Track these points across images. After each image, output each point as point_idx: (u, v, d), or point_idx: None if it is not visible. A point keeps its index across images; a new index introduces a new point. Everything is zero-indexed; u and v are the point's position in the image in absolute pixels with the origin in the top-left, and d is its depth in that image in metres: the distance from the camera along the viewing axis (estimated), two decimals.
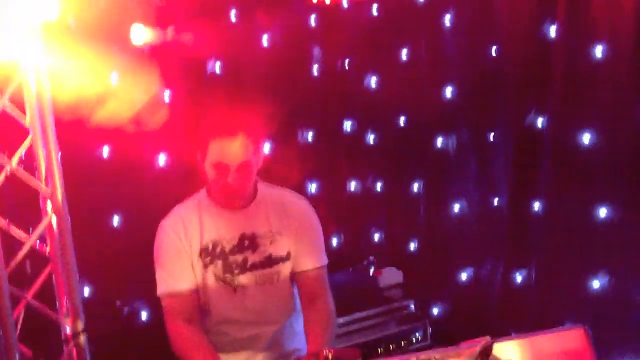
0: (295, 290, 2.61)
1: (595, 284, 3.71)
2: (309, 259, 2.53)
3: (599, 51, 3.56)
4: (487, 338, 1.94)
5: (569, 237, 3.76)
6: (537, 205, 3.96)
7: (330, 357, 1.53)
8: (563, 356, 1.98)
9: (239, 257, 2.46)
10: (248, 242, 2.47)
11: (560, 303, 3.66)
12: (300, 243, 2.51)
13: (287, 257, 2.51)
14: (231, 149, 2.29)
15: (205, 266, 2.45)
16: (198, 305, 2.47)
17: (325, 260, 2.60)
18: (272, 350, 2.54)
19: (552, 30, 3.79)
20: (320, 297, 2.53)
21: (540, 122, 3.88)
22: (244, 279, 2.46)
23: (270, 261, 2.48)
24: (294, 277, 2.55)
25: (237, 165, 2.31)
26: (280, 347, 2.56)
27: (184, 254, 2.44)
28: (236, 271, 2.46)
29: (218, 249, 2.45)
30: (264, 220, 2.48)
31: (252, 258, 2.47)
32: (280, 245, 2.49)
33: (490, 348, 1.92)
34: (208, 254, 2.45)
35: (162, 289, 2.47)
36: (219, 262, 2.45)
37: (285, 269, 2.51)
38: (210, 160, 2.34)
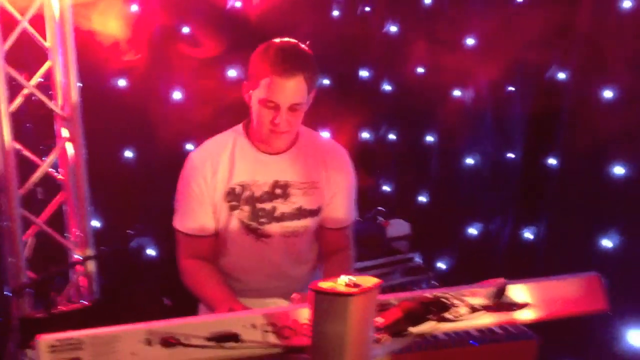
0: (316, 246, 2.50)
1: (606, 243, 3.69)
2: (340, 217, 2.40)
3: (626, 4, 3.47)
4: (502, 279, 1.93)
5: (582, 194, 3.72)
6: (551, 161, 3.92)
7: (349, 280, 1.51)
8: (576, 301, 1.97)
9: (267, 205, 2.30)
10: (280, 191, 2.30)
11: (569, 262, 3.64)
12: (334, 200, 2.36)
13: (317, 212, 2.35)
14: (286, 89, 2.11)
15: (231, 209, 2.29)
16: (213, 248, 2.37)
17: (354, 217, 2.47)
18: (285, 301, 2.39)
19: None
20: (343, 250, 2.44)
21: (561, 75, 3.80)
22: (270, 229, 2.31)
23: (300, 214, 2.33)
24: (319, 231, 2.43)
25: (288, 106, 2.13)
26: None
27: (206, 198, 2.28)
28: (263, 220, 2.30)
29: (246, 194, 2.28)
30: (300, 169, 2.31)
31: (282, 208, 2.31)
32: (313, 198, 2.33)
33: (504, 289, 1.91)
34: (234, 197, 2.28)
35: (177, 225, 2.34)
36: (246, 208, 2.29)
37: (312, 223, 2.36)
38: (259, 95, 2.15)
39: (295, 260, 2.41)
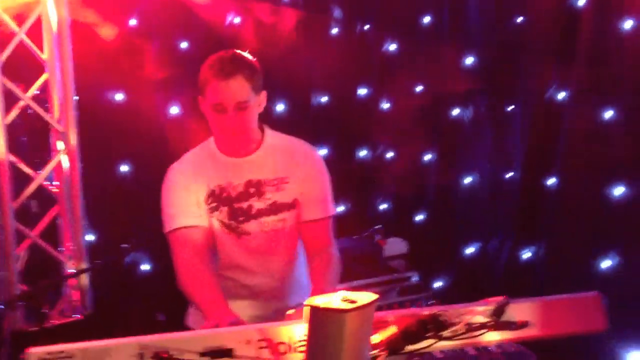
0: (301, 242, 2.56)
1: (605, 264, 3.67)
2: (316, 208, 2.47)
3: (627, 25, 3.48)
4: (503, 297, 1.90)
5: (581, 215, 3.70)
6: (550, 181, 3.90)
7: (345, 296, 1.48)
8: (576, 320, 1.94)
9: (244, 204, 2.43)
10: (254, 189, 2.43)
11: (567, 282, 3.62)
12: (307, 191, 2.46)
13: (293, 205, 2.46)
14: (228, 89, 2.27)
15: (212, 211, 2.42)
16: (206, 241, 2.43)
17: (332, 211, 2.52)
18: (276, 300, 2.51)
19: (581, 1, 3.69)
20: (325, 248, 2.47)
21: (561, 96, 3.79)
22: (248, 226, 2.44)
23: (275, 208, 2.44)
24: (299, 226, 2.49)
25: (233, 105, 2.28)
26: (285, 299, 2.52)
27: (192, 193, 2.41)
28: (241, 218, 2.43)
29: (224, 195, 2.42)
30: (270, 167, 2.44)
31: (258, 205, 2.43)
32: (286, 192, 2.45)
33: (504, 307, 1.88)
34: (214, 199, 2.42)
35: (169, 225, 2.40)
36: (225, 209, 2.42)
37: (290, 217, 2.46)
38: (209, 102, 2.31)
39: (278, 256, 2.50)
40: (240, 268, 2.49)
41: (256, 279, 2.50)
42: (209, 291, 2.29)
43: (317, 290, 2.25)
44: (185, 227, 2.38)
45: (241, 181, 2.43)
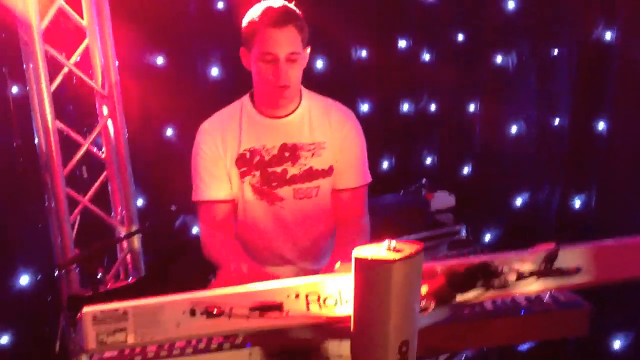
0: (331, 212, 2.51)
1: None
2: (351, 176, 2.41)
3: None
4: (553, 244, 1.86)
5: (632, 159, 3.59)
6: (600, 126, 3.78)
7: (392, 245, 1.47)
8: (631, 264, 1.89)
9: (278, 169, 2.35)
10: (289, 154, 2.35)
11: (620, 229, 3.51)
12: (344, 158, 2.39)
13: (329, 172, 2.39)
14: (280, 38, 2.17)
15: (243, 175, 2.35)
16: (232, 214, 2.41)
17: (368, 179, 2.46)
18: (308, 263, 2.48)
19: None
20: (357, 218, 2.42)
21: (608, 35, 3.65)
22: (282, 192, 2.37)
23: (311, 175, 2.37)
24: (333, 193, 2.44)
25: (285, 55, 2.18)
26: (318, 262, 2.49)
27: (220, 162, 2.34)
28: (274, 184, 2.35)
29: (256, 159, 2.34)
30: (306, 131, 2.36)
31: (292, 170, 2.36)
32: (323, 158, 2.37)
33: (555, 254, 1.84)
34: (245, 162, 2.34)
35: (196, 195, 2.39)
36: (257, 173, 2.35)
37: (325, 184, 2.40)
38: (258, 51, 2.20)
39: (310, 225, 2.44)
40: (269, 236, 2.44)
41: (284, 249, 2.45)
42: (228, 248, 2.27)
43: (339, 256, 2.14)
44: (209, 201, 2.35)
45: (276, 144, 2.34)
